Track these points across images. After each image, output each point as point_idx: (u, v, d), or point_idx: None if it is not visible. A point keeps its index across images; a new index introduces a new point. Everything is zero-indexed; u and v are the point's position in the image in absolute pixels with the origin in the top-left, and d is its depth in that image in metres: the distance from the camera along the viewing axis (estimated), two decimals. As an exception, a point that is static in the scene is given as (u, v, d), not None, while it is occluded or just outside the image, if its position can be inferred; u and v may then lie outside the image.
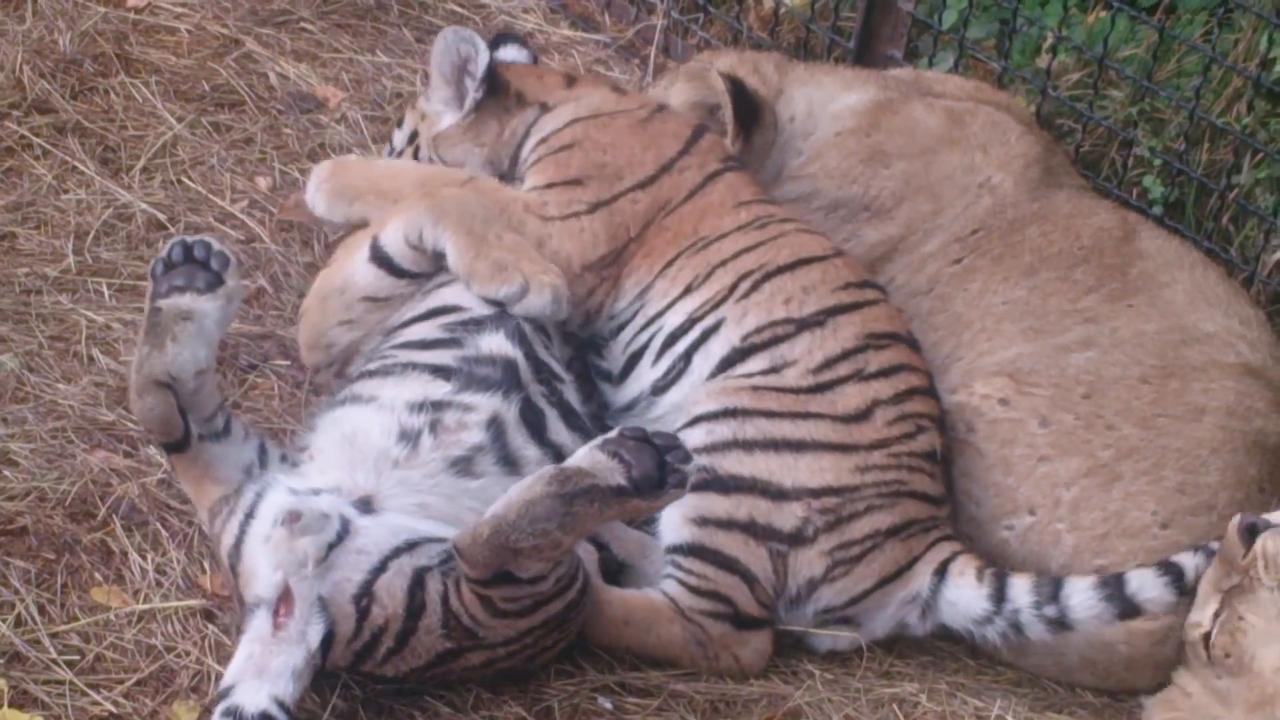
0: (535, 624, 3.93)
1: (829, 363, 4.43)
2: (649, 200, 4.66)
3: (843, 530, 4.30)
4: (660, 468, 3.70)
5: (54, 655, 3.93)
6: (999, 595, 4.30)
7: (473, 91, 4.84)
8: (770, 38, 6.31)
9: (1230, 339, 4.69)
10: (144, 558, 4.17)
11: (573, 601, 3.98)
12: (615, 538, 4.35)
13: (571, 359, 4.62)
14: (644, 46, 6.42)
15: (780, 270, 4.55)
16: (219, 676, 3.93)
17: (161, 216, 5.19)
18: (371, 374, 4.28)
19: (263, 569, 3.82)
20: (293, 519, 3.79)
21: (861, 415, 4.37)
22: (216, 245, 3.95)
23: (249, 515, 3.91)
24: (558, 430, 4.28)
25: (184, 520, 4.27)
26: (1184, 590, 4.18)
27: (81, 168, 5.31)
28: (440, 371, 4.21)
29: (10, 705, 3.79)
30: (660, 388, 4.55)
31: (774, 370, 4.42)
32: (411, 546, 3.86)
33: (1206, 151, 5.55)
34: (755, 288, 4.53)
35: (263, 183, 5.43)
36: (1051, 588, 4.26)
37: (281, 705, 3.73)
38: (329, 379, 4.63)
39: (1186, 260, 4.91)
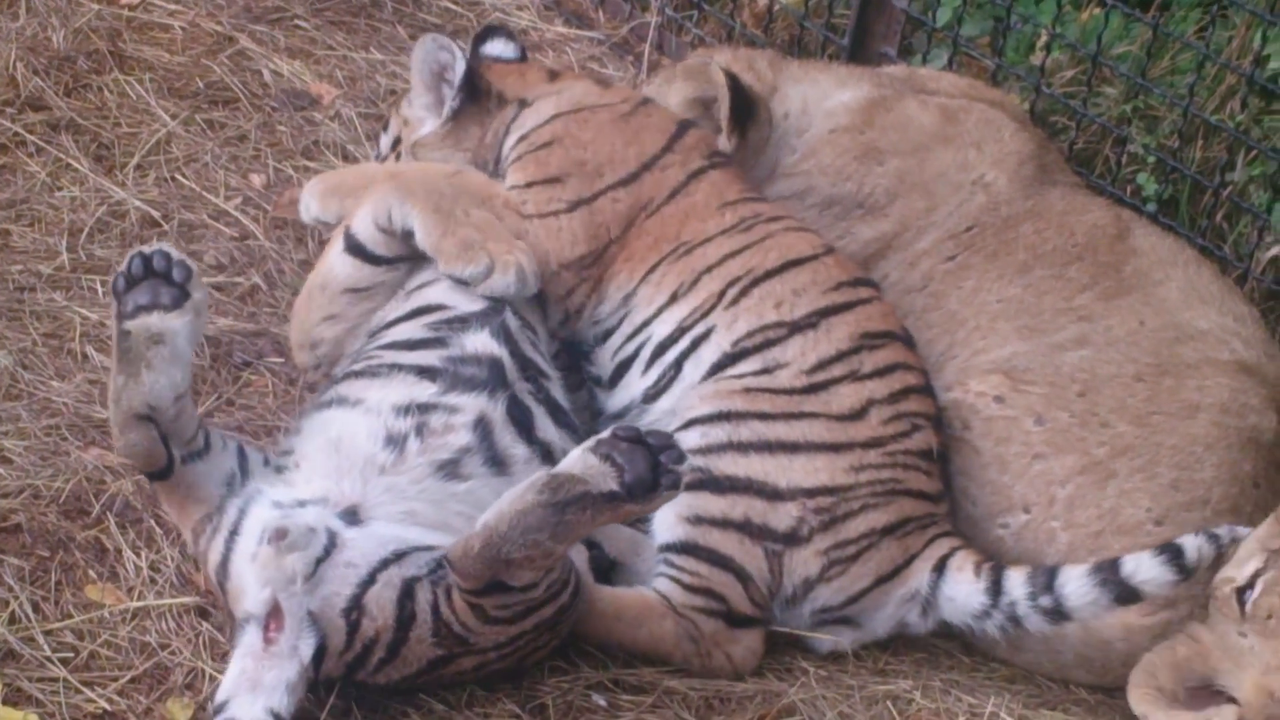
0: (527, 628, 3.92)
1: (823, 364, 4.42)
2: (630, 199, 4.64)
3: (838, 530, 4.30)
4: (653, 469, 3.68)
5: (48, 653, 3.93)
6: (995, 589, 4.30)
7: (450, 100, 4.84)
8: (764, 35, 6.31)
9: (1224, 336, 4.70)
10: (138, 555, 4.17)
11: (565, 605, 3.97)
12: (607, 536, 4.34)
13: (558, 352, 4.60)
14: (638, 44, 6.41)
15: (769, 274, 4.53)
16: (213, 674, 3.93)
17: (155, 214, 5.19)
18: (357, 375, 4.25)
19: (251, 586, 3.80)
20: (279, 537, 3.75)
21: (856, 415, 4.37)
22: (175, 254, 3.88)
23: (234, 532, 3.88)
24: (545, 428, 4.27)
25: (178, 518, 4.27)
26: (1184, 569, 4.12)
27: (75, 165, 5.31)
28: (426, 372, 4.19)
29: (4, 703, 3.79)
30: (651, 395, 4.54)
31: (766, 371, 4.42)
32: (400, 557, 3.83)
33: (1200, 149, 5.55)
34: (744, 293, 4.51)
35: (257, 180, 5.43)
36: (1046, 578, 4.25)
37: (277, 717, 3.71)
38: (320, 379, 4.62)
39: (1180, 258, 4.91)
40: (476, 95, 4.87)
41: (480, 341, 4.30)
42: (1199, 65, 5.46)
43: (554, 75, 4.99)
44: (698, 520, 4.26)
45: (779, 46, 6.18)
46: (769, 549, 4.27)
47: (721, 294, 4.52)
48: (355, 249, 4.54)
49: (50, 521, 4.20)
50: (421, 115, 4.92)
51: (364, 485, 3.96)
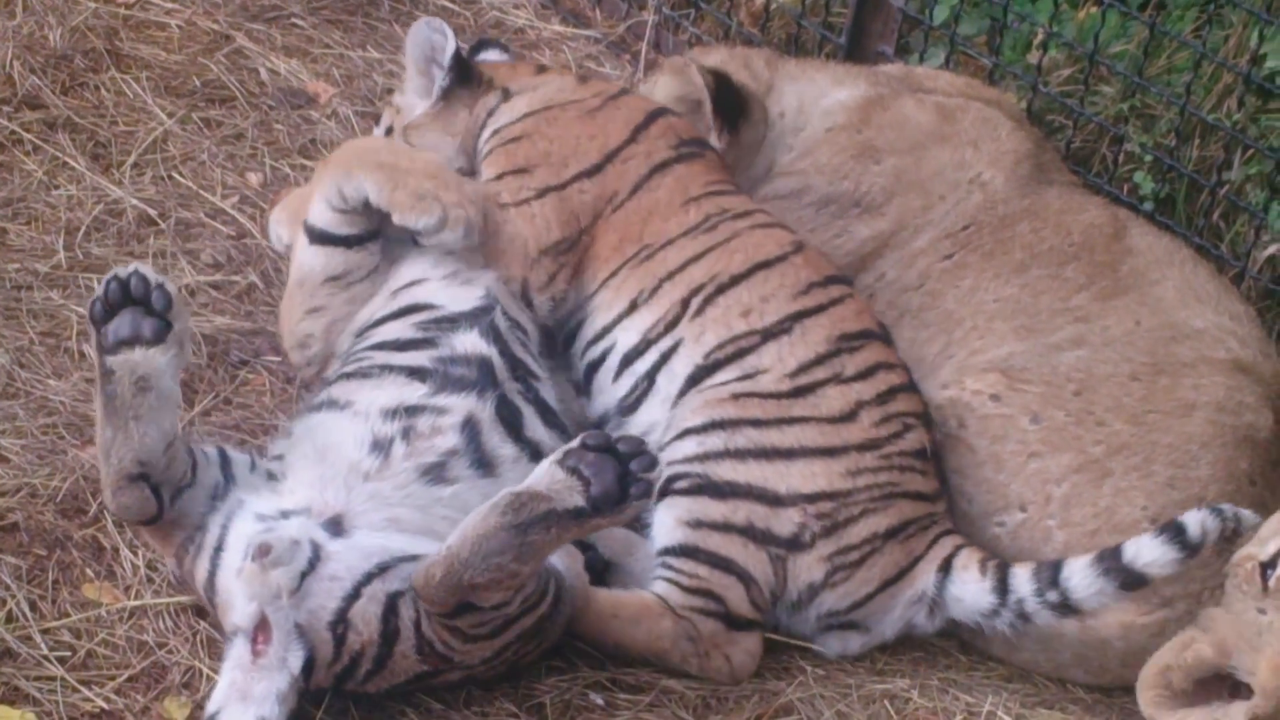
0: (509, 640, 3.91)
1: (804, 368, 4.40)
2: (596, 190, 4.62)
3: (840, 535, 4.28)
4: (621, 480, 3.65)
5: (45, 651, 3.92)
6: (1002, 587, 4.29)
7: (440, 79, 4.86)
8: (761, 33, 6.31)
9: (1220, 335, 4.70)
10: (135, 554, 4.17)
11: (544, 614, 3.94)
12: (601, 537, 4.33)
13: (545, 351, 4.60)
14: (635, 42, 6.41)
15: (735, 280, 4.50)
16: (210, 673, 3.93)
17: (152, 212, 5.19)
18: (349, 376, 4.24)
19: (238, 600, 3.79)
20: (263, 552, 3.73)
21: (847, 417, 4.35)
22: (154, 278, 3.77)
23: (218, 548, 3.86)
24: (534, 427, 4.25)
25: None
26: (1188, 545, 4.09)
27: (72, 163, 5.30)
28: (416, 373, 4.18)
29: (1, 701, 3.79)
30: (627, 408, 4.51)
31: (749, 377, 4.39)
32: (383, 570, 3.81)
33: (1197, 147, 5.56)
34: (709, 303, 4.48)
35: (253, 178, 5.43)
36: (1051, 572, 4.24)
37: None
38: (315, 378, 4.62)
39: (1177, 257, 4.91)
40: (468, 80, 4.88)
41: (470, 342, 4.28)
42: (1196, 64, 5.47)
43: (542, 69, 5.01)
44: (698, 524, 4.25)
45: (776, 45, 6.19)
46: (773, 554, 4.25)
47: (685, 303, 4.49)
48: (321, 238, 4.51)
49: (47, 520, 4.19)
50: (414, 101, 4.96)
51: (347, 494, 3.93)
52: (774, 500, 4.26)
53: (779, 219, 4.77)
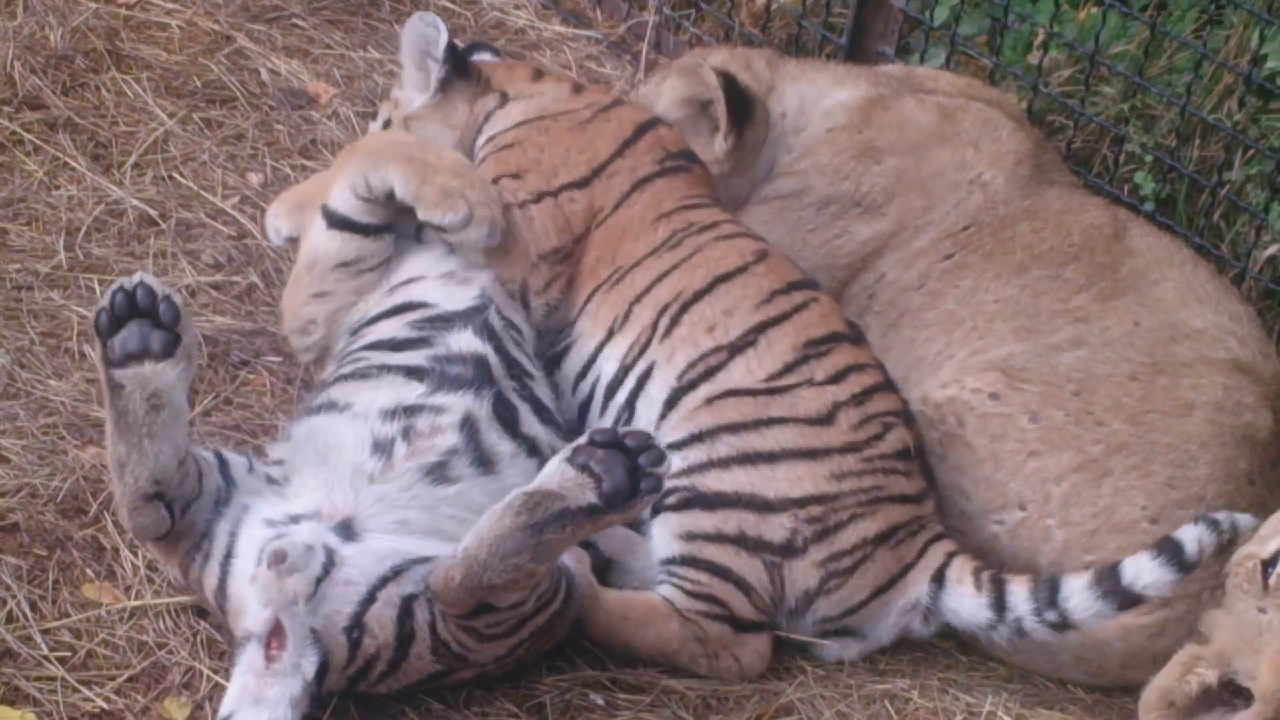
0: (523, 638, 3.92)
1: (772, 378, 4.38)
2: (585, 201, 4.64)
3: (831, 541, 4.27)
4: (632, 475, 3.65)
5: (45, 652, 3.92)
6: (999, 604, 4.28)
7: (435, 72, 4.88)
8: (762, 34, 6.31)
9: (1220, 335, 4.70)
10: (135, 554, 4.17)
11: (557, 611, 3.96)
12: (602, 536, 4.33)
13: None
14: (636, 43, 6.41)
15: (697, 296, 4.49)
16: (210, 673, 3.93)
17: (153, 212, 5.19)
18: (346, 377, 4.23)
19: (251, 606, 3.78)
20: (278, 560, 3.71)
21: (825, 420, 4.32)
22: (160, 289, 3.72)
23: (228, 555, 3.85)
24: (530, 424, 4.25)
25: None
26: (1185, 564, 4.11)
27: (73, 164, 5.31)
28: (413, 373, 4.17)
29: (1, 702, 3.79)
30: None
31: (727, 394, 4.37)
32: (398, 573, 3.81)
33: (1198, 148, 5.56)
34: (675, 322, 4.47)
35: (254, 179, 5.43)
36: (1049, 591, 4.23)
37: None
38: (315, 366, 4.61)
39: (1177, 258, 4.91)
40: (464, 72, 4.91)
41: (465, 340, 4.28)
42: (1196, 64, 5.47)
43: (539, 75, 5.01)
44: (691, 537, 4.24)
45: (777, 45, 6.19)
46: (768, 560, 4.25)
47: (654, 325, 4.49)
48: (340, 223, 4.51)
49: (48, 520, 4.20)
50: (412, 95, 4.97)
51: (355, 496, 3.93)
52: (763, 506, 4.25)
53: (746, 229, 4.75)
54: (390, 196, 4.45)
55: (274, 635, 3.75)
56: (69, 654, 3.94)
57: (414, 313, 4.38)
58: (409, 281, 4.49)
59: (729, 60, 5.32)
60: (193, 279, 5.00)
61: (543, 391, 4.40)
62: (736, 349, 4.42)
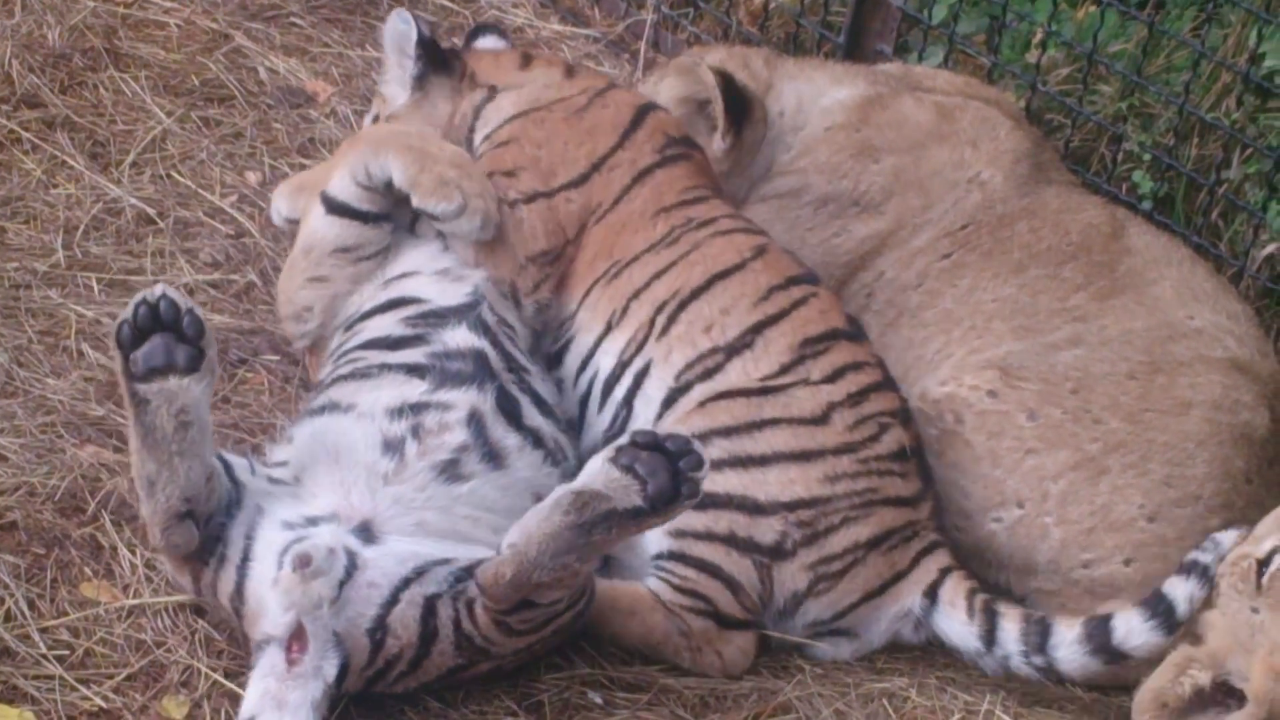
0: (545, 635, 3.94)
1: (769, 379, 4.37)
2: (582, 200, 4.63)
3: (821, 544, 4.27)
4: (674, 478, 3.64)
5: (43, 650, 3.92)
6: (989, 637, 4.30)
7: (410, 69, 4.87)
8: (760, 32, 6.31)
9: (1218, 334, 4.70)
10: (133, 553, 4.16)
11: (581, 610, 4.00)
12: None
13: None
14: (634, 41, 6.41)
15: (694, 294, 4.48)
16: (208, 671, 3.93)
17: (151, 211, 5.19)
18: (345, 378, 4.23)
19: (272, 609, 3.77)
20: (303, 563, 3.69)
21: (819, 420, 4.32)
22: (184, 303, 3.67)
23: (245, 559, 3.83)
24: (532, 416, 4.25)
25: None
26: (1174, 628, 4.17)
27: (71, 162, 5.30)
28: (414, 370, 4.17)
29: (0, 700, 3.79)
30: (611, 438, 4.49)
31: (720, 396, 4.36)
32: (420, 574, 3.81)
33: (1196, 147, 5.56)
34: (672, 320, 4.47)
35: (252, 177, 5.43)
36: (1039, 637, 4.25)
37: None
38: (310, 353, 4.61)
39: (1175, 256, 4.91)
40: (445, 68, 4.89)
41: (461, 336, 4.28)
42: (1195, 63, 5.47)
43: (527, 61, 4.97)
44: (682, 534, 4.24)
45: (775, 44, 6.19)
46: (757, 561, 4.24)
47: (652, 322, 4.48)
48: (339, 209, 4.51)
49: (46, 519, 4.19)
50: (395, 91, 4.97)
51: (372, 498, 3.92)
52: (755, 509, 4.25)
53: (746, 222, 4.74)
54: (389, 185, 4.47)
55: (295, 638, 3.74)
56: (67, 652, 3.94)
57: (407, 309, 4.38)
58: (403, 276, 4.49)
59: (727, 59, 5.32)
60: (191, 277, 5.00)
61: (539, 385, 4.40)
62: (733, 350, 4.41)
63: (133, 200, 5.21)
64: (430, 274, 4.48)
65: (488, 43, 5.16)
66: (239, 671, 3.92)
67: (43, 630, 3.97)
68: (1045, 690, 4.45)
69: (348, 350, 4.36)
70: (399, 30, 4.89)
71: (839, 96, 5.26)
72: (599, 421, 4.54)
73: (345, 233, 4.52)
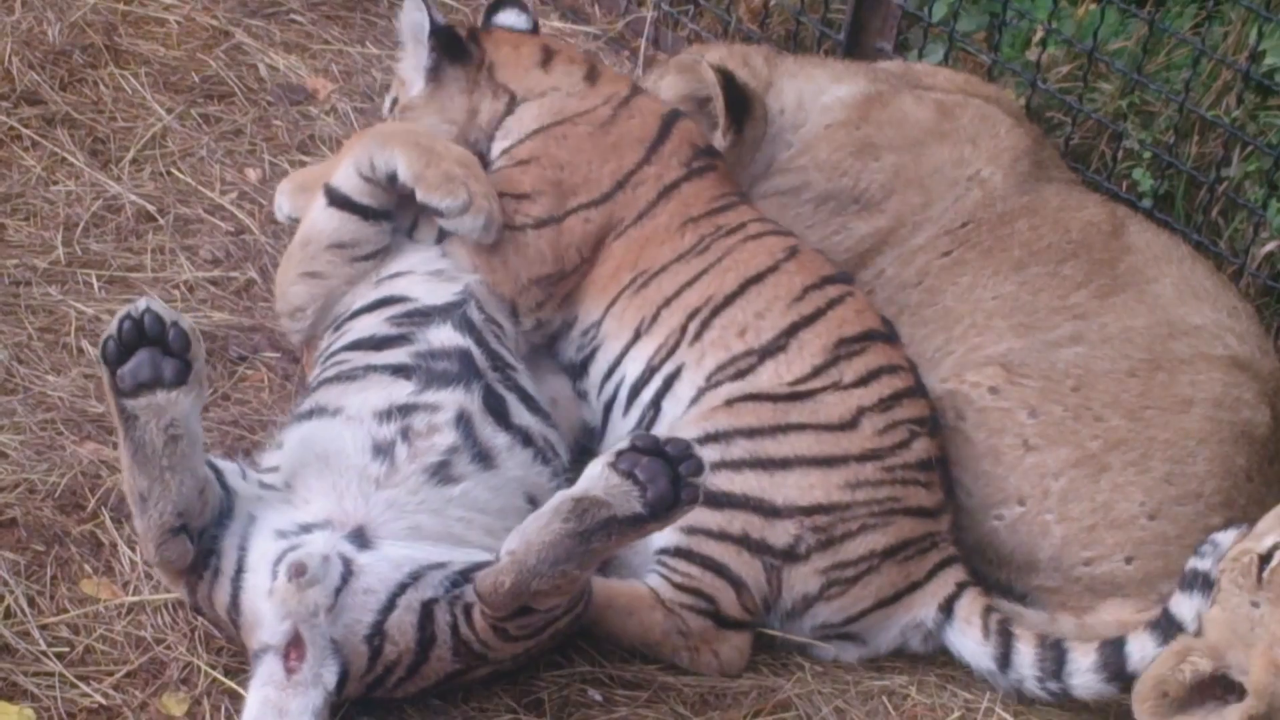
0: (543, 639, 3.94)
1: (801, 381, 4.37)
2: (602, 219, 4.60)
3: (836, 550, 4.26)
4: (674, 484, 3.61)
5: (43, 647, 3.92)
6: (1004, 660, 4.29)
7: (424, 59, 4.83)
8: (760, 30, 6.30)
9: (1218, 332, 4.70)
10: (133, 550, 4.16)
11: (578, 614, 3.99)
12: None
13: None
14: (634, 38, 6.41)
15: (728, 300, 4.47)
16: (208, 669, 3.93)
17: (151, 208, 5.19)
18: (330, 381, 4.21)
19: (268, 619, 3.75)
20: (298, 572, 3.68)
21: (848, 425, 4.31)
22: (168, 315, 3.62)
23: (239, 570, 3.80)
24: (520, 413, 4.23)
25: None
26: None
27: (71, 159, 5.30)
28: (400, 371, 4.14)
29: (0, 697, 3.79)
30: None
31: (748, 398, 4.36)
32: (416, 579, 3.79)
33: (1196, 144, 5.56)
34: (705, 326, 4.46)
35: (252, 174, 5.42)
36: (1055, 664, 4.24)
37: None
38: (306, 348, 4.61)
39: (1175, 254, 4.91)
40: (461, 58, 4.84)
41: (444, 335, 4.26)
42: (1195, 61, 5.47)
43: (547, 58, 4.88)
44: (692, 531, 4.23)
45: (775, 42, 6.19)
46: (768, 563, 4.24)
47: (684, 329, 4.47)
48: (341, 202, 4.50)
49: (46, 516, 4.19)
50: (411, 76, 4.91)
51: (365, 503, 3.89)
52: (770, 511, 4.24)
53: (775, 225, 4.72)
54: (392, 180, 4.44)
55: (292, 647, 3.73)
56: (67, 649, 3.94)
57: (394, 307, 4.37)
58: (396, 275, 4.48)
59: (727, 57, 5.32)
60: (191, 274, 4.99)
61: (526, 382, 4.37)
62: (767, 353, 4.41)
63: (133, 197, 5.21)
64: (422, 274, 4.46)
65: (508, 17, 5.05)
66: (239, 669, 3.92)
67: (42, 627, 3.97)
68: (1045, 688, 4.46)
69: (335, 352, 4.34)
70: (414, 18, 4.84)
71: (839, 94, 5.26)
72: (624, 423, 4.53)
73: (343, 227, 4.50)
